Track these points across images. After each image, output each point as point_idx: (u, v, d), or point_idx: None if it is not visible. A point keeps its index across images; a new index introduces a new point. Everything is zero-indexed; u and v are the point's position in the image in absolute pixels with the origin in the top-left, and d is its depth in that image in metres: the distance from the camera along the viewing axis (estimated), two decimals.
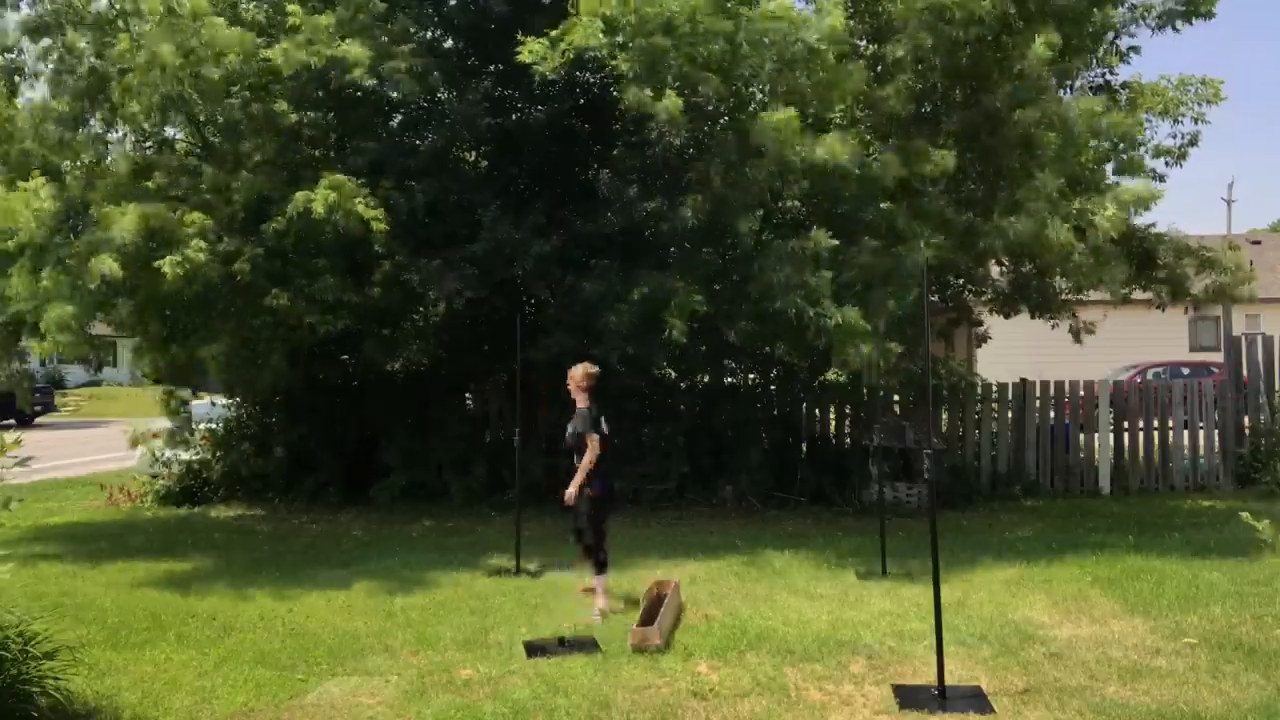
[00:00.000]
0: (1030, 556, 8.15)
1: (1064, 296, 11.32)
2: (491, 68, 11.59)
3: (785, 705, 4.98)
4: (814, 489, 11.17)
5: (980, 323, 12.72)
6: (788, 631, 6.18)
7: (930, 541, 5.26)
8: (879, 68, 9.63)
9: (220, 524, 11.01)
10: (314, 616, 6.84)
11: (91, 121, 10.10)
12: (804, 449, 11.94)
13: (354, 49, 9.20)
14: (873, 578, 7.57)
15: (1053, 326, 12.08)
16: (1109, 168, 10.02)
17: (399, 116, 11.76)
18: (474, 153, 12.02)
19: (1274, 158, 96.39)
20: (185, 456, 12.65)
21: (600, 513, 6.86)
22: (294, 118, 9.73)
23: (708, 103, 8.99)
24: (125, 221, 8.56)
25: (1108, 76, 10.88)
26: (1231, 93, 10.82)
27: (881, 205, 9.09)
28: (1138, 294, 11.30)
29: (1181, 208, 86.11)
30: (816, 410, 12.17)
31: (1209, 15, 9.89)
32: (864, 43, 10.04)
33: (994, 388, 11.99)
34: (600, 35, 8.54)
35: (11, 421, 25.31)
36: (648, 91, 8.35)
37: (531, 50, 8.82)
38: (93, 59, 9.60)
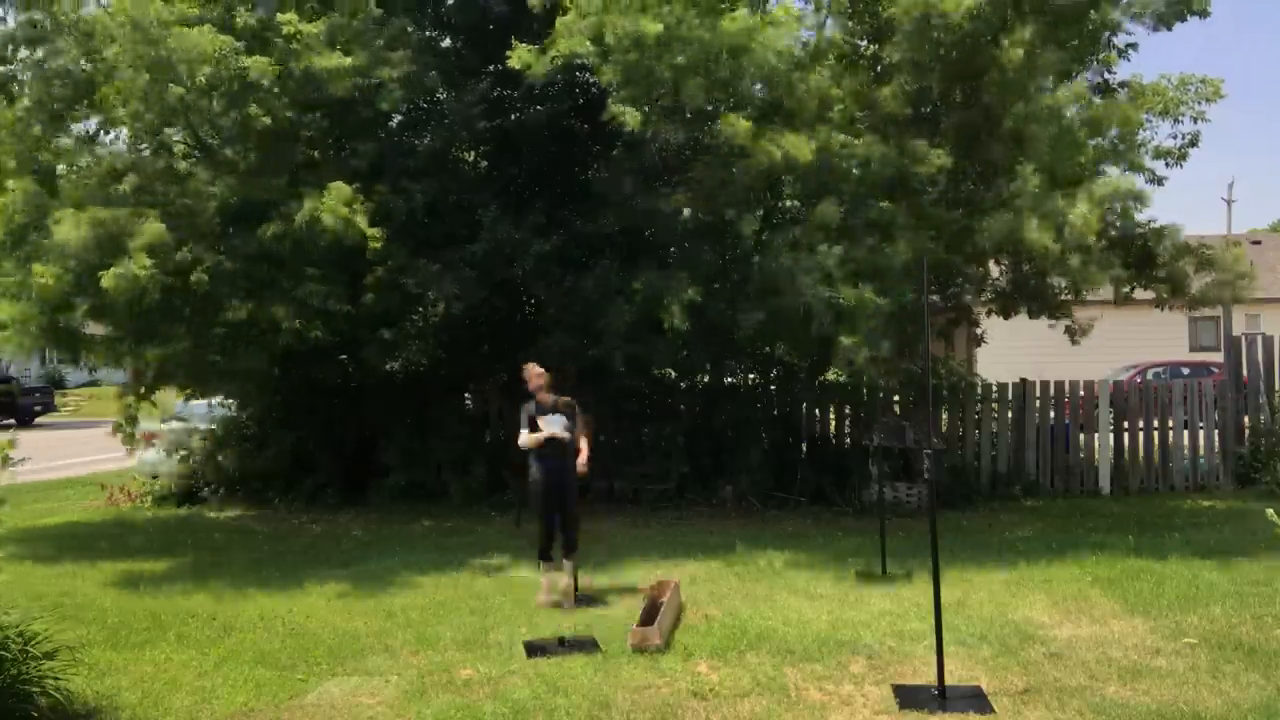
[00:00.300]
0: (1030, 556, 8.15)
1: (1063, 296, 11.28)
2: (490, 68, 11.57)
3: (785, 705, 4.98)
4: (814, 489, 11.17)
5: (978, 323, 12.70)
6: (788, 631, 6.18)
7: (930, 541, 5.25)
8: (878, 68, 9.63)
9: (220, 524, 11.02)
10: (314, 616, 6.85)
11: (73, 127, 10.08)
12: (804, 449, 11.92)
13: (332, 60, 9.12)
14: (873, 578, 7.57)
15: (1050, 326, 12.07)
16: (1109, 168, 9.97)
17: (398, 118, 11.75)
18: (473, 153, 12.02)
19: (1274, 158, 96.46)
20: (167, 469, 12.66)
21: (537, 501, 7.07)
22: (268, 120, 9.32)
23: (686, 110, 9.15)
24: (66, 229, 8.48)
25: (1106, 75, 10.87)
26: (1231, 92, 10.80)
27: (882, 205, 9.08)
28: (1138, 293, 11.26)
29: (1181, 208, 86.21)
30: (816, 410, 12.16)
31: (1204, 14, 9.84)
32: (864, 43, 10.04)
33: (994, 388, 11.99)
34: (587, 44, 8.77)
35: (11, 422, 25.34)
36: (621, 107, 8.73)
37: (520, 57, 9.06)
38: (78, 64, 9.53)
